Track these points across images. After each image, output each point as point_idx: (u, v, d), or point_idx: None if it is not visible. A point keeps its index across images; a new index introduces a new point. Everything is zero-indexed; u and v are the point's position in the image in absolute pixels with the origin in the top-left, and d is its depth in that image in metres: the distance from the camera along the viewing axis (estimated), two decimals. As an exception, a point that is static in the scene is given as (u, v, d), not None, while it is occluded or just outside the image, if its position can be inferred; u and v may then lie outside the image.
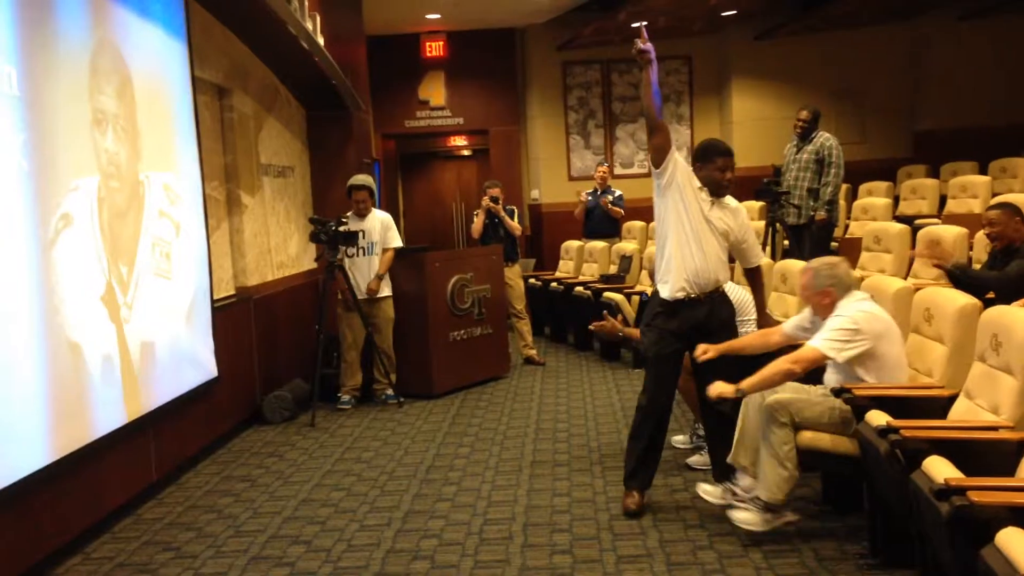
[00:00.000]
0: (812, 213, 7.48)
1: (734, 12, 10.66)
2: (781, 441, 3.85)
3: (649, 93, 4.20)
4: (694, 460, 5.08)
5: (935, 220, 7.80)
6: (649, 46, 4.12)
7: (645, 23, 4.19)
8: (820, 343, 3.93)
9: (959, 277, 5.00)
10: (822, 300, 4.07)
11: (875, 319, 3.94)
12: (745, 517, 3.95)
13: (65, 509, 4.19)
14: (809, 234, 7.49)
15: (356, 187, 7.01)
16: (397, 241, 7.16)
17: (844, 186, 8.93)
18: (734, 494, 4.08)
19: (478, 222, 8.31)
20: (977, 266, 5.58)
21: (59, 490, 4.11)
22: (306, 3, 7.08)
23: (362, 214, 6.98)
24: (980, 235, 5.98)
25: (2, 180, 3.70)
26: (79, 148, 4.37)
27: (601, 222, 9.63)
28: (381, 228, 7.01)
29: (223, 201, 6.60)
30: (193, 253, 5.68)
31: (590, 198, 9.64)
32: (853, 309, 3.96)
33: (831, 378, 4.04)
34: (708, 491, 4.29)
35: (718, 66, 11.90)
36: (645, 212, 10.20)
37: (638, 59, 4.17)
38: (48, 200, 4.06)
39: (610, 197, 9.55)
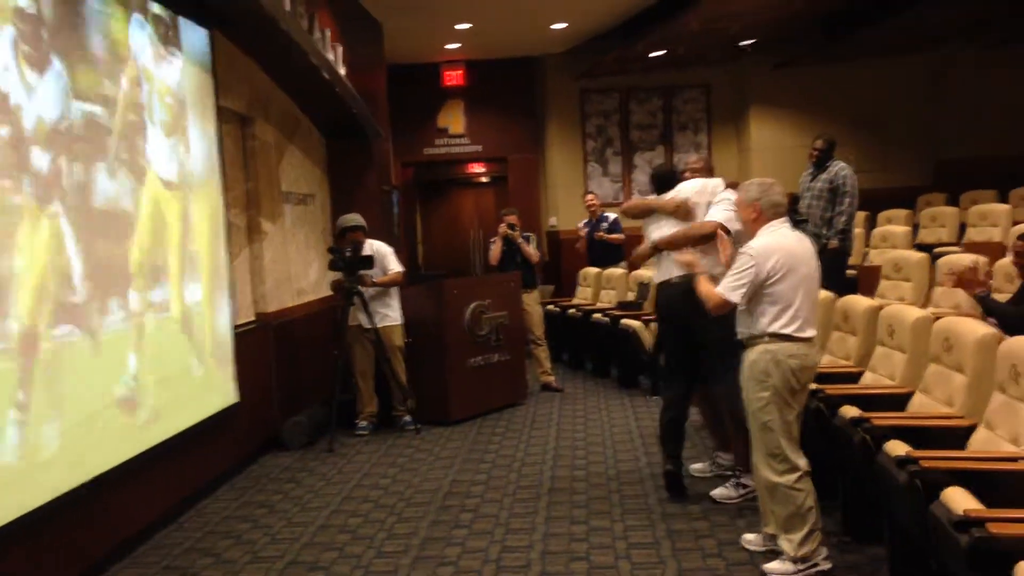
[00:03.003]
0: (825, 242, 7.45)
1: (753, 41, 10.71)
2: (786, 486, 3.86)
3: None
4: (718, 493, 4.99)
5: (955, 248, 7.76)
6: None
7: None
8: (722, 285, 3.98)
9: (988, 307, 4.93)
10: (749, 215, 4.05)
11: (770, 251, 3.88)
12: (774, 566, 3.92)
13: (85, 535, 4.22)
14: (823, 262, 7.43)
15: (351, 228, 7.03)
16: (397, 265, 7.21)
17: (862, 214, 8.91)
18: (774, 538, 4.05)
19: (496, 249, 8.36)
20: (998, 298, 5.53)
21: (80, 516, 4.14)
22: (328, 33, 7.19)
23: (359, 250, 6.99)
24: (1000, 264, 5.96)
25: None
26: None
27: (603, 251, 9.60)
28: (379, 258, 7.04)
29: (244, 228, 6.67)
30: (215, 279, 5.74)
31: (587, 229, 9.65)
32: (757, 241, 3.96)
33: (741, 319, 4.03)
34: (750, 540, 4.23)
35: (736, 94, 11.94)
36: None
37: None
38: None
39: (604, 224, 9.52)
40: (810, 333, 3.92)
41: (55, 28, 4.02)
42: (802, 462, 3.88)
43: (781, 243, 3.93)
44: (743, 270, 3.90)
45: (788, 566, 3.87)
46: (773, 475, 3.89)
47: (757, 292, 3.89)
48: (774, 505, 3.93)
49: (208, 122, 5.73)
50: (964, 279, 5.08)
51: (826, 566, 3.88)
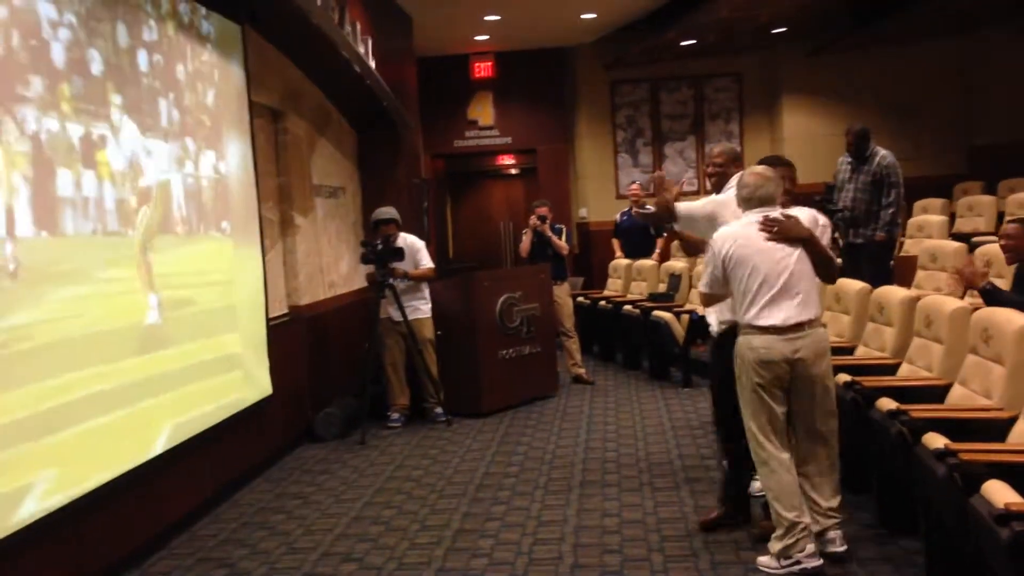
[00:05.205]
0: (871, 233, 7.29)
1: (784, 29, 10.59)
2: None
3: None
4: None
5: (992, 238, 7.62)
6: None
7: None
8: (701, 282, 4.03)
9: (993, 296, 4.78)
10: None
11: (723, 239, 3.85)
12: (763, 560, 3.88)
13: (123, 524, 4.28)
14: (867, 253, 7.30)
15: (383, 221, 7.05)
16: (430, 261, 7.24)
17: (900, 204, 8.78)
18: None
19: (526, 241, 8.36)
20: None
21: (118, 506, 4.20)
22: (358, 27, 7.21)
23: (389, 242, 6.99)
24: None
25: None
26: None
27: (640, 241, 9.59)
28: (411, 252, 7.06)
29: (277, 222, 6.71)
30: (249, 273, 5.79)
31: (626, 220, 9.66)
32: (719, 231, 3.94)
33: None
34: (764, 563, 3.99)
35: (769, 83, 11.82)
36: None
37: None
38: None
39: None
40: (771, 320, 3.74)
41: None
42: (774, 461, 3.81)
43: (738, 231, 3.86)
44: (707, 260, 3.95)
45: (772, 561, 3.84)
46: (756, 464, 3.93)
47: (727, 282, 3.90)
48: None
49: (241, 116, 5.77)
50: (966, 275, 4.92)
51: (811, 564, 3.77)
